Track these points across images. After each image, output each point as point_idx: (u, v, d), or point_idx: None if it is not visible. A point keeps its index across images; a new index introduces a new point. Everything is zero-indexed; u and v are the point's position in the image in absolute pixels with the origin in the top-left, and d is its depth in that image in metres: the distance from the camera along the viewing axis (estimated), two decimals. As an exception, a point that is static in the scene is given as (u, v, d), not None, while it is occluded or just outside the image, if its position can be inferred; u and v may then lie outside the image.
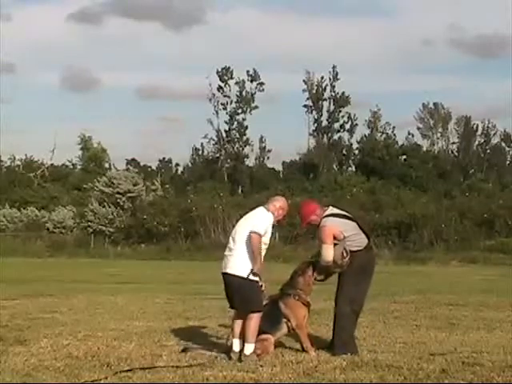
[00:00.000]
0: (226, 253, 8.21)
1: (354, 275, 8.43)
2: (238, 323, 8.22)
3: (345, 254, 8.37)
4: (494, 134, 78.16)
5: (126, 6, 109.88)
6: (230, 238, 8.26)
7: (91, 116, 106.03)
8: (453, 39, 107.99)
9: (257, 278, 8.02)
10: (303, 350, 8.40)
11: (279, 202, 8.36)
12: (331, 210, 8.67)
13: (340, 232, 8.37)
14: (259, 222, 8.05)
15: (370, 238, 8.71)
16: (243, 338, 8.10)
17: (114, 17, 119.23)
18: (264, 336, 8.18)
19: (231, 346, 8.21)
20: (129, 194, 49.38)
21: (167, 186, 56.41)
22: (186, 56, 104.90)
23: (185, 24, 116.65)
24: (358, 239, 8.52)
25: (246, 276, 7.98)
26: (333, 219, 8.49)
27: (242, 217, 8.44)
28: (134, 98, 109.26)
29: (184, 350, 8.49)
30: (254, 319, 8.00)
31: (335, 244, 8.35)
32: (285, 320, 8.37)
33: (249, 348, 7.96)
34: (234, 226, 8.41)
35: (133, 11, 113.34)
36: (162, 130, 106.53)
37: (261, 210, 8.28)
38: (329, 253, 8.29)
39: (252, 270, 7.98)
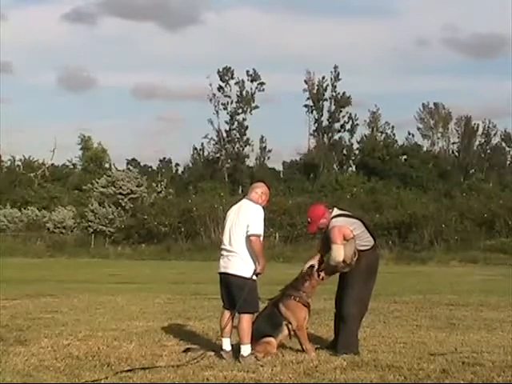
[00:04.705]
0: (224, 253, 8.16)
1: (362, 275, 8.44)
2: (227, 322, 8.21)
3: (354, 256, 8.41)
4: (495, 134, 78.27)
5: (120, 6, 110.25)
6: (225, 238, 8.18)
7: (90, 116, 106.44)
8: (453, 39, 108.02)
9: (255, 277, 8.04)
10: (303, 350, 8.40)
11: (260, 189, 8.31)
12: (336, 211, 8.71)
13: (350, 231, 8.41)
14: (254, 220, 7.97)
15: (375, 237, 8.73)
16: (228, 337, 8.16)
17: (109, 17, 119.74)
18: (267, 339, 8.17)
19: (221, 346, 8.21)
20: (131, 195, 49.37)
21: (170, 189, 56.29)
22: (183, 56, 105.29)
23: (180, 24, 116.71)
24: (365, 238, 8.55)
25: (249, 276, 7.98)
26: (341, 219, 8.54)
27: (227, 211, 8.36)
28: (133, 98, 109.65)
29: (186, 351, 8.50)
30: (247, 320, 7.98)
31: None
32: (285, 322, 8.35)
33: (245, 349, 7.93)
34: (224, 222, 8.30)
35: (127, 11, 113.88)
36: (162, 129, 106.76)
37: (248, 204, 8.16)
38: (340, 253, 8.31)
39: (255, 270, 7.99)
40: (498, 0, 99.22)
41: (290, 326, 8.34)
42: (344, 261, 8.34)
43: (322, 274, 8.49)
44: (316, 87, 75.45)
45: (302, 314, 8.37)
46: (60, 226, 49.39)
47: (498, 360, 7.99)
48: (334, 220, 8.51)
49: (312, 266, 8.57)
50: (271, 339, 8.20)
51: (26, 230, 48.94)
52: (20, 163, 71.82)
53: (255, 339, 8.02)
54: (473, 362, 7.86)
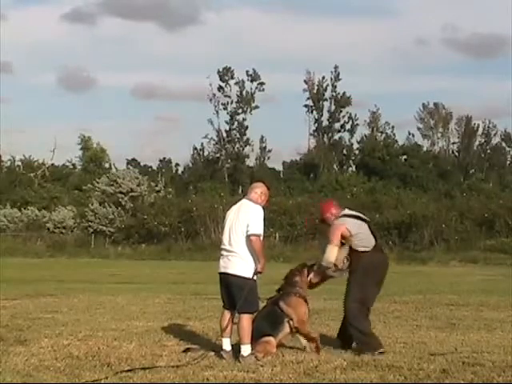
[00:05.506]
0: (224, 253, 8.16)
1: (359, 276, 8.51)
2: (227, 323, 8.21)
3: (345, 260, 8.49)
4: (495, 134, 78.25)
5: (120, 6, 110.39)
6: (224, 238, 8.18)
7: (90, 116, 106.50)
8: (453, 39, 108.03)
9: (255, 277, 8.05)
10: (304, 349, 8.43)
11: (259, 189, 8.34)
12: (345, 211, 8.83)
13: (347, 230, 8.47)
14: (254, 220, 7.98)
15: (377, 239, 8.72)
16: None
17: (108, 17, 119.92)
18: (266, 338, 8.18)
19: (221, 346, 8.22)
20: (131, 194, 49.37)
21: (170, 188, 56.33)
22: (183, 56, 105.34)
23: (180, 24, 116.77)
24: (365, 239, 8.59)
25: (250, 276, 7.99)
26: (343, 219, 8.65)
27: (227, 211, 8.38)
28: (132, 98, 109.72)
29: (186, 351, 8.49)
30: (247, 320, 7.99)
31: (343, 244, 8.48)
32: (287, 319, 8.37)
33: (245, 349, 7.94)
34: (224, 222, 8.28)
35: (127, 11, 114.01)
36: (162, 129, 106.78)
37: (247, 203, 8.17)
38: (332, 254, 8.40)
39: (255, 269, 8.00)
40: (497, 0, 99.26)
41: (291, 323, 8.37)
42: (335, 264, 8.42)
43: (312, 274, 8.57)
44: (316, 87, 75.47)
45: (303, 309, 8.45)
46: (60, 226, 49.39)
47: (498, 360, 7.99)
48: (338, 219, 8.62)
49: (305, 264, 8.69)
50: (271, 339, 8.20)
51: (26, 230, 48.95)
52: (20, 163, 71.83)
53: (255, 339, 8.02)
54: (473, 362, 7.86)
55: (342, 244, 8.53)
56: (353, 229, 8.52)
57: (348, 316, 8.55)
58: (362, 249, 8.54)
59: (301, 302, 8.45)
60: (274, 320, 8.37)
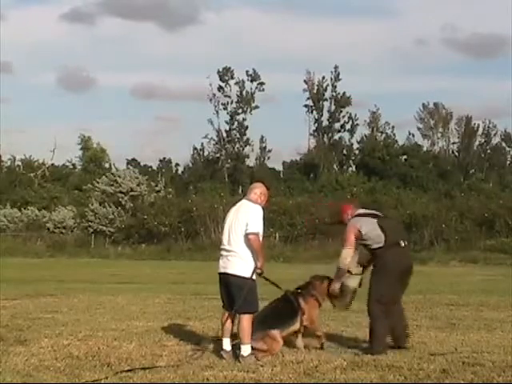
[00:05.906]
0: (224, 253, 8.17)
1: (375, 274, 8.64)
2: (228, 322, 8.23)
3: (360, 266, 8.72)
4: (495, 134, 78.23)
5: (120, 6, 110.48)
6: (224, 238, 8.20)
7: (90, 116, 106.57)
8: (452, 39, 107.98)
9: (254, 277, 8.05)
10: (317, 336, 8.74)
11: (259, 189, 8.36)
12: (358, 211, 8.95)
13: (358, 231, 8.59)
14: (253, 219, 8.00)
15: (388, 234, 8.66)
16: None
17: (108, 17, 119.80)
18: (273, 334, 8.22)
19: (222, 346, 8.22)
20: (131, 193, 49.36)
21: (170, 188, 56.35)
22: (183, 56, 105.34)
23: (180, 24, 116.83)
24: (377, 235, 8.62)
25: (248, 276, 7.99)
26: (355, 219, 8.75)
27: (227, 212, 8.39)
28: (132, 98, 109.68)
29: (192, 351, 8.48)
30: (247, 320, 8.00)
31: (363, 244, 8.67)
32: (301, 315, 8.57)
33: (245, 349, 7.94)
34: (224, 222, 8.30)
35: (127, 11, 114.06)
36: (162, 129, 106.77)
37: (247, 204, 8.19)
38: (346, 256, 8.57)
39: (255, 268, 8.00)
40: (497, 0, 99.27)
41: (303, 318, 8.57)
42: (349, 271, 8.60)
43: (331, 285, 8.77)
44: (316, 87, 75.44)
45: (316, 312, 8.78)
46: (60, 226, 49.40)
47: (498, 360, 7.99)
48: (351, 220, 8.77)
49: (327, 277, 8.94)
50: (277, 336, 8.23)
51: (26, 230, 48.97)
52: (20, 163, 71.87)
53: (259, 325, 8.07)
54: (473, 362, 7.87)
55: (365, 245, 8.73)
56: (363, 228, 8.62)
57: (369, 317, 8.68)
58: (376, 245, 8.63)
59: (316, 305, 8.77)
60: (285, 316, 8.52)
